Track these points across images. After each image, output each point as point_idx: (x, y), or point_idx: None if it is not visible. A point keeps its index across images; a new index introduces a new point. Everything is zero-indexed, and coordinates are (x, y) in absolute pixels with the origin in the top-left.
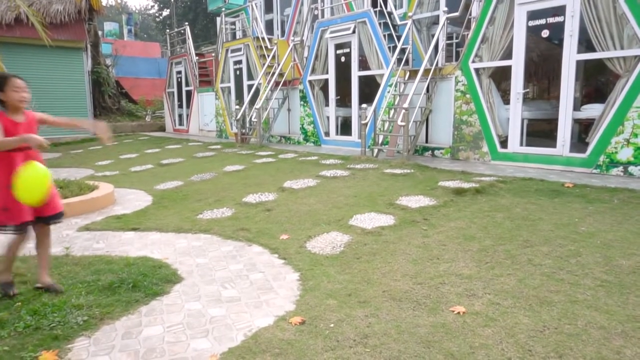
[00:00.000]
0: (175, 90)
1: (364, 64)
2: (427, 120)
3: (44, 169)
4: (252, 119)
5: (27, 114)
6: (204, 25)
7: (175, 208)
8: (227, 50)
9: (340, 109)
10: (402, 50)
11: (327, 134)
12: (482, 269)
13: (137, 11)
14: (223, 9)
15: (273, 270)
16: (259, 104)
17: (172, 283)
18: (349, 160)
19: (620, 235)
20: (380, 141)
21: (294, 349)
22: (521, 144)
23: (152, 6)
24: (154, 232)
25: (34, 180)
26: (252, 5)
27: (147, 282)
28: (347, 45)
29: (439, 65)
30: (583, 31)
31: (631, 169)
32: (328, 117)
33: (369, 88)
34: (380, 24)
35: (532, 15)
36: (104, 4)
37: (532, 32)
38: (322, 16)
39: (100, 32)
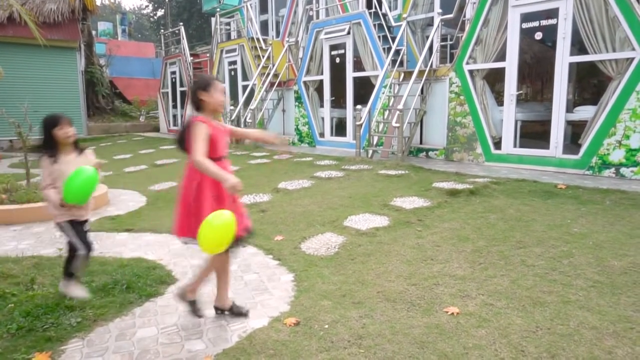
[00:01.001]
0: (169, 90)
1: (358, 65)
2: (421, 121)
3: (231, 218)
4: (247, 119)
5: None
6: (199, 25)
7: (169, 209)
8: (221, 51)
9: (334, 110)
10: (397, 52)
11: (321, 135)
12: (476, 270)
13: (131, 11)
14: (218, 10)
15: (268, 271)
16: (253, 104)
17: (166, 284)
18: (343, 161)
19: (612, 236)
20: (374, 142)
21: (288, 350)
22: (515, 146)
23: (147, 6)
24: (148, 233)
25: (223, 231)
26: (247, 6)
27: (141, 283)
28: (342, 46)
29: (434, 66)
30: (576, 33)
31: (623, 170)
32: (323, 118)
33: (363, 89)
34: (375, 25)
35: (525, 17)
36: (98, 3)
37: (526, 34)
38: (317, 17)
39: (94, 32)
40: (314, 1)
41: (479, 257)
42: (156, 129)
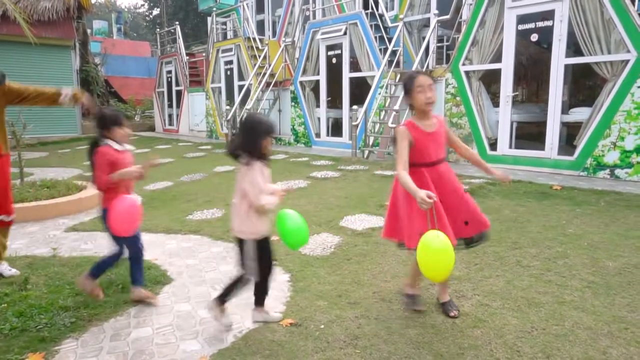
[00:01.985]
0: (165, 90)
1: (355, 66)
2: None
3: (447, 244)
4: (243, 119)
5: (437, 119)
6: (195, 24)
7: (165, 209)
8: (217, 50)
9: (331, 111)
10: (393, 53)
11: (317, 135)
12: (472, 271)
13: (126, 10)
14: (214, 9)
15: None
16: (249, 104)
17: (161, 284)
18: (339, 161)
19: (607, 237)
20: (370, 143)
21: (284, 350)
22: (510, 147)
23: (142, 5)
24: (143, 232)
25: (442, 256)
26: (243, 5)
27: None
28: (339, 46)
29: (430, 67)
30: (571, 35)
31: (617, 171)
32: (319, 119)
33: (359, 90)
34: (371, 26)
35: (521, 19)
36: (93, 1)
37: (522, 36)
38: (314, 17)
39: (89, 31)
40: (310, 1)
41: (475, 258)
42: (151, 128)
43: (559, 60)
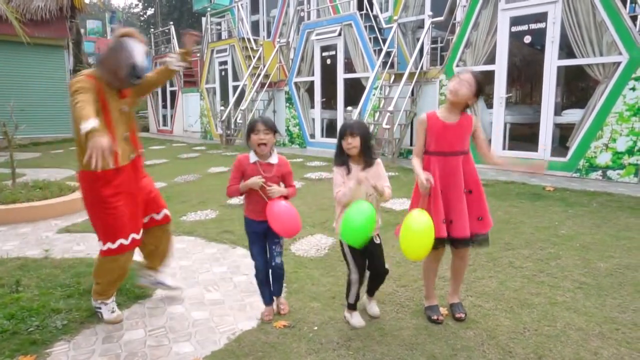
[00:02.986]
0: (159, 90)
1: (349, 67)
2: (411, 123)
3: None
4: (238, 120)
5: (465, 116)
6: (189, 24)
7: None
8: (212, 51)
9: (325, 111)
10: (388, 54)
11: (312, 136)
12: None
13: (120, 9)
14: (208, 9)
15: None
16: (244, 105)
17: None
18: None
19: (599, 238)
20: None
21: (277, 351)
22: (504, 148)
23: (136, 4)
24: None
25: (421, 234)
26: (238, 6)
27: (129, 285)
28: (333, 47)
29: (424, 68)
30: (564, 37)
31: (610, 173)
32: (313, 119)
33: (354, 91)
34: (366, 27)
35: (515, 21)
36: (87, 1)
37: (515, 38)
38: (308, 18)
39: (82, 30)
40: (305, 2)
41: (468, 259)
42: (145, 128)
43: (551, 62)
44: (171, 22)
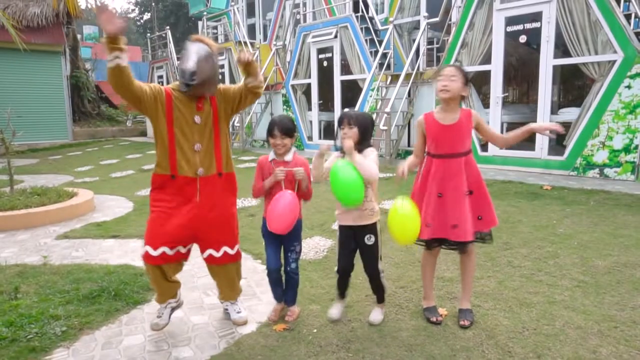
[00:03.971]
0: None
1: (346, 69)
2: (408, 124)
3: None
4: (235, 123)
5: (464, 112)
6: (186, 29)
7: None
8: None
9: (323, 114)
10: (384, 55)
11: (309, 138)
12: None
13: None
14: (205, 13)
15: (256, 276)
16: None
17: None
18: None
19: (596, 236)
20: None
21: (276, 355)
22: (501, 147)
23: (133, 10)
24: (135, 239)
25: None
26: (234, 10)
27: (128, 290)
28: (330, 49)
29: (420, 69)
30: (559, 37)
31: (607, 171)
32: (311, 122)
33: (351, 92)
34: (361, 28)
35: (510, 20)
36: (83, 7)
37: (511, 37)
38: (305, 21)
39: (79, 36)
40: (301, 5)
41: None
42: (143, 133)
43: (547, 61)
44: (168, 27)
